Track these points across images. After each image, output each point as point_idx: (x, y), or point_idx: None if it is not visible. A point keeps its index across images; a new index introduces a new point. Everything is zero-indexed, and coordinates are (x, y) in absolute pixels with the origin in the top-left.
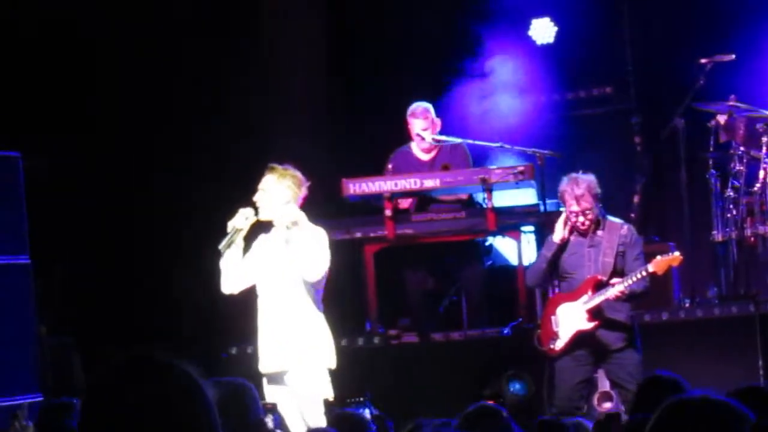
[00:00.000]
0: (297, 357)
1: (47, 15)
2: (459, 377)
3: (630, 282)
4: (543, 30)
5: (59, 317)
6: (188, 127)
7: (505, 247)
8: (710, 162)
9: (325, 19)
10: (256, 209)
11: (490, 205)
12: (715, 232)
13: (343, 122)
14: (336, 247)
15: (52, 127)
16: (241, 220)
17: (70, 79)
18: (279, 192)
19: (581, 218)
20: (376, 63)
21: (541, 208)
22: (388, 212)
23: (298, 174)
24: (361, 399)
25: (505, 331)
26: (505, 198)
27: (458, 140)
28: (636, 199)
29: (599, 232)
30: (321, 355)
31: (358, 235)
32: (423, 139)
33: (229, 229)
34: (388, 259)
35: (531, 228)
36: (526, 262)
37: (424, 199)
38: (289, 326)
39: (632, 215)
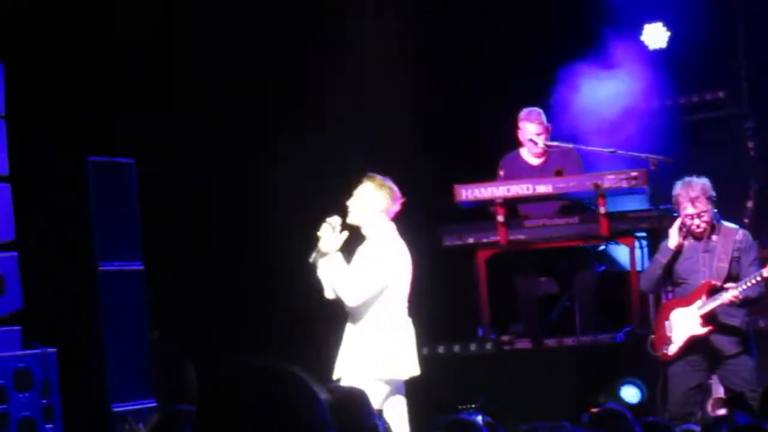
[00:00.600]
0: (347, 366)
1: (153, 20)
2: (572, 383)
3: (745, 287)
4: (655, 35)
5: (170, 323)
6: (293, 133)
7: (617, 252)
8: None
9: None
10: (343, 217)
11: (603, 211)
12: None
13: (449, 127)
14: (448, 253)
15: (164, 133)
16: (328, 230)
17: (182, 85)
18: (373, 200)
19: (696, 221)
20: (483, 67)
21: (654, 213)
22: (500, 218)
23: (395, 188)
24: (473, 405)
25: (619, 337)
26: (617, 203)
27: (570, 145)
28: (749, 204)
29: (714, 237)
30: (368, 366)
31: (471, 240)
32: (536, 144)
33: (321, 235)
34: (500, 264)
35: (644, 233)
36: (638, 268)
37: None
38: (347, 335)
39: (746, 220)
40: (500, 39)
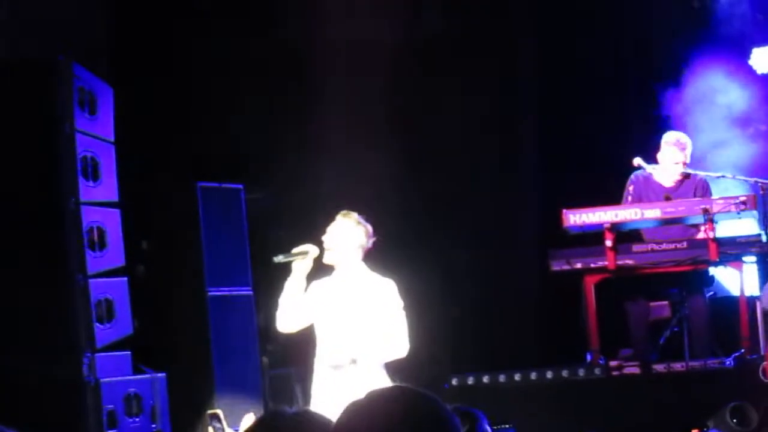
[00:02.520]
0: None
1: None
2: (681, 409)
3: None
4: (765, 59)
5: (281, 349)
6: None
7: (726, 277)
8: None
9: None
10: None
11: (712, 236)
12: None
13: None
14: (555, 277)
15: (272, 159)
16: (310, 249)
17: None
18: (354, 238)
19: None
20: (592, 93)
21: (764, 238)
22: (608, 243)
23: (368, 226)
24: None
25: (728, 363)
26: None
27: (703, 174)
28: None
29: None
30: None
31: (579, 266)
32: (671, 169)
33: (294, 250)
34: (609, 289)
35: (753, 258)
36: (747, 293)
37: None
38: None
39: None
40: (611, 58)
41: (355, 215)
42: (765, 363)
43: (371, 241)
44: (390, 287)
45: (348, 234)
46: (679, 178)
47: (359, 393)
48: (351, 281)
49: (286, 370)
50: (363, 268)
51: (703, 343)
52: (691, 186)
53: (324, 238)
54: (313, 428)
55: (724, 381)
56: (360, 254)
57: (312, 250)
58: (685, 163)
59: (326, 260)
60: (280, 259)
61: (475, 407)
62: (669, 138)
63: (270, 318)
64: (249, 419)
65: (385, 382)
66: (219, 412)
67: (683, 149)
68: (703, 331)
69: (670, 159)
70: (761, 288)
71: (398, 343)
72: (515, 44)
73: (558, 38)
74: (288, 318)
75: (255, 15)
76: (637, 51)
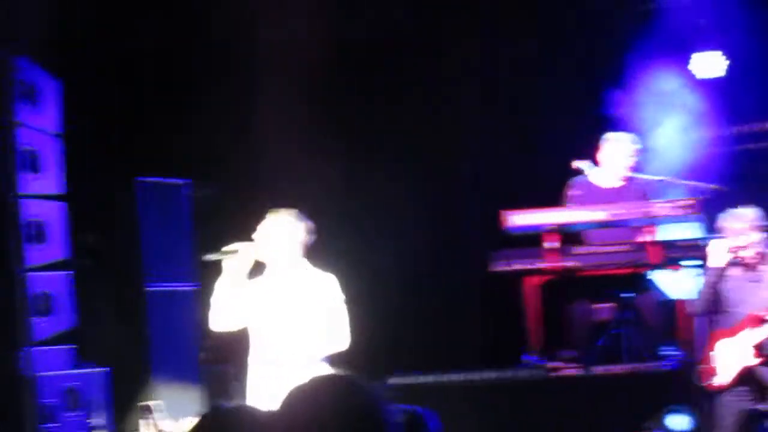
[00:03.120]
0: None
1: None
2: (619, 411)
3: None
4: (705, 64)
5: (219, 345)
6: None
7: (665, 280)
8: None
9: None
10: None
11: (653, 239)
12: None
13: (501, 152)
14: (495, 278)
15: (218, 155)
16: (240, 247)
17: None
18: (295, 234)
19: (745, 253)
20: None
21: (706, 242)
22: (550, 244)
23: (307, 221)
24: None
25: (666, 365)
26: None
27: (640, 177)
28: None
29: (761, 267)
30: None
31: (519, 267)
32: (615, 168)
33: (225, 248)
34: (549, 291)
35: (695, 262)
36: (686, 296)
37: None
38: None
39: None
40: (551, 65)
41: (287, 211)
42: (700, 367)
43: (311, 236)
44: (330, 282)
45: (278, 230)
46: (620, 179)
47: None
48: (288, 278)
49: (225, 366)
50: (303, 264)
51: (647, 345)
52: (632, 189)
53: (255, 235)
54: (253, 422)
55: (663, 383)
56: (299, 250)
57: (242, 248)
58: (631, 163)
59: (259, 258)
60: (209, 257)
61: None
62: (612, 137)
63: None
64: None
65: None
66: (151, 404)
67: (627, 148)
68: (638, 334)
69: (613, 158)
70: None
71: (339, 337)
72: (456, 43)
73: (500, 38)
74: (220, 317)
75: (195, 14)
76: (579, 53)
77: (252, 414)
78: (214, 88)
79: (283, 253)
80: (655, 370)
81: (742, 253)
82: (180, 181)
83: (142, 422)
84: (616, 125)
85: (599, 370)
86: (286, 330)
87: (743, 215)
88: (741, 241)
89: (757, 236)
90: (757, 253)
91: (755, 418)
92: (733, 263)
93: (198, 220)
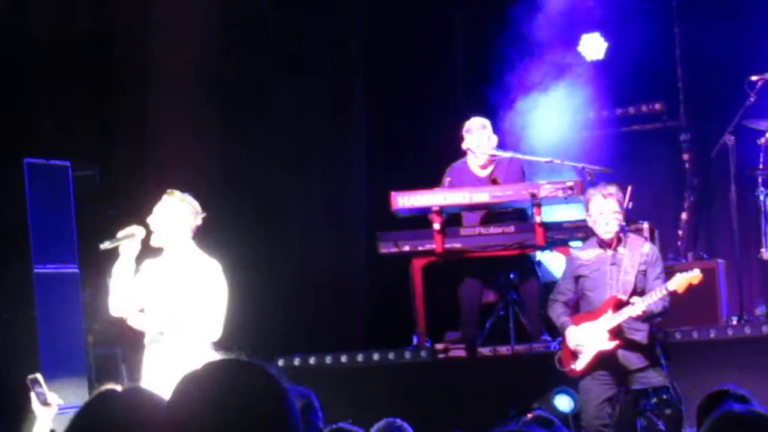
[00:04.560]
0: None
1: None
2: (506, 392)
3: (649, 301)
4: (593, 46)
5: (107, 327)
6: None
7: (552, 262)
8: (759, 179)
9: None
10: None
11: (538, 220)
12: (763, 249)
13: (390, 135)
14: (384, 260)
15: (101, 136)
16: (135, 232)
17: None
18: (182, 218)
19: (605, 226)
20: (425, 79)
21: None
22: (436, 226)
23: (196, 203)
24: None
25: (553, 346)
26: (555, 213)
27: (509, 154)
28: (684, 216)
29: (620, 249)
30: None
31: (407, 248)
32: (481, 153)
33: (120, 234)
34: (437, 272)
35: (580, 243)
36: None
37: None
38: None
39: (680, 232)
40: (445, 47)
41: (178, 194)
42: (560, 352)
43: (199, 218)
44: (212, 268)
45: (172, 214)
46: (484, 162)
47: (180, 368)
48: (176, 261)
49: (112, 348)
50: (190, 247)
51: (535, 326)
52: (503, 169)
53: (149, 219)
54: (144, 405)
55: (549, 365)
56: (187, 233)
57: (138, 231)
58: (480, 146)
59: (153, 243)
60: (106, 245)
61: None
62: (466, 124)
63: (96, 296)
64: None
65: (210, 357)
66: (39, 376)
67: (484, 130)
68: (533, 314)
69: (476, 141)
70: None
71: (209, 325)
72: (347, 27)
73: (387, 26)
74: (118, 301)
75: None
76: (465, 38)
77: (142, 400)
78: (104, 69)
79: (173, 236)
80: (542, 351)
81: (604, 228)
82: (66, 163)
83: (31, 395)
84: (502, 112)
85: (486, 351)
86: (163, 308)
87: (608, 187)
88: (603, 208)
89: (620, 210)
90: (617, 235)
91: (636, 397)
92: (592, 246)
93: (83, 201)
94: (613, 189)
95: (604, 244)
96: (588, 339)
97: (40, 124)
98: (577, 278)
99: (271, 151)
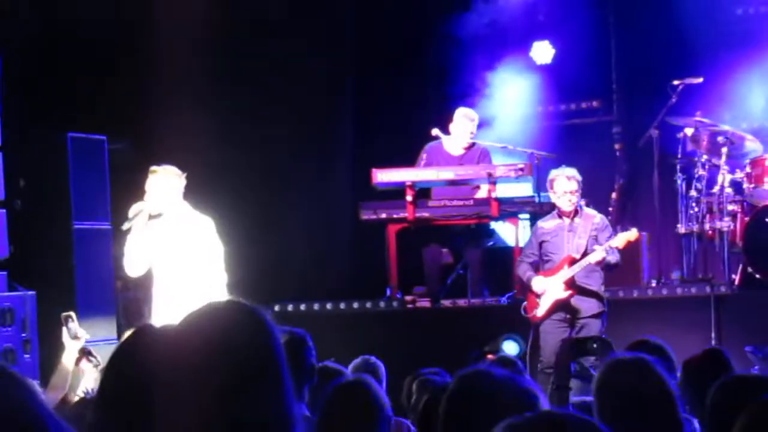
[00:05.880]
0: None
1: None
2: (463, 338)
3: (606, 248)
4: (543, 52)
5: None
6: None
7: (505, 230)
8: (678, 167)
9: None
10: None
11: (494, 196)
12: (680, 225)
13: (374, 120)
14: (365, 225)
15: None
16: (141, 207)
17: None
18: (173, 186)
19: (568, 198)
20: (405, 73)
21: (537, 199)
22: (409, 198)
23: (175, 169)
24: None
25: (503, 300)
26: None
27: (487, 143)
28: (614, 196)
29: (576, 220)
30: None
31: (384, 216)
32: (459, 138)
33: (130, 214)
34: (408, 236)
35: (527, 216)
36: (521, 244)
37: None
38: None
39: (611, 209)
40: (425, 48)
41: (159, 168)
42: (525, 303)
43: (183, 179)
44: (207, 224)
45: (161, 186)
46: (466, 146)
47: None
48: (175, 221)
49: (136, 293)
50: (184, 208)
51: (482, 284)
52: (475, 154)
53: (146, 197)
54: (163, 339)
55: (500, 315)
56: (179, 196)
57: (145, 206)
58: (472, 133)
59: (153, 212)
60: (125, 225)
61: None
62: (461, 112)
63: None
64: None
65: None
66: (72, 313)
67: (472, 121)
68: (482, 274)
69: (462, 129)
70: None
71: (213, 270)
72: (339, 11)
73: (376, 16)
74: (134, 265)
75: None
76: (440, 43)
77: (163, 332)
78: (124, 61)
79: (167, 203)
80: (494, 304)
81: (568, 200)
82: (102, 137)
83: (64, 329)
84: (467, 103)
85: (447, 303)
86: (176, 266)
87: (570, 169)
88: (568, 186)
89: (578, 187)
90: (577, 202)
91: (572, 343)
92: (553, 218)
93: (114, 170)
94: (574, 172)
95: (563, 215)
96: (548, 289)
97: (81, 105)
98: (540, 243)
99: (270, 132)
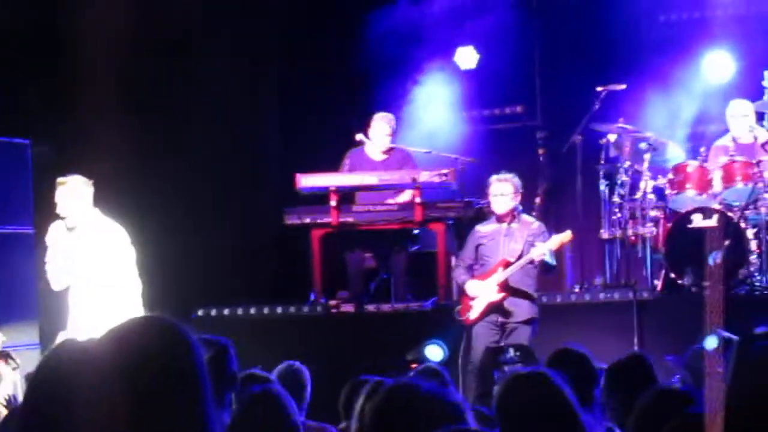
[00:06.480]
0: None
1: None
2: (386, 343)
3: (543, 250)
4: (467, 57)
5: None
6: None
7: (428, 235)
8: (601, 173)
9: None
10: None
11: (418, 201)
12: (602, 230)
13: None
14: (290, 230)
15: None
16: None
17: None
18: (84, 197)
19: (498, 201)
20: (330, 79)
21: (460, 204)
22: (333, 203)
23: (81, 178)
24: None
25: (426, 305)
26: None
27: (409, 149)
28: (538, 200)
29: (514, 225)
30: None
31: (308, 220)
32: (378, 143)
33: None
34: (332, 241)
35: (450, 221)
36: (446, 248)
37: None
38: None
39: (534, 214)
40: (349, 52)
41: (67, 179)
42: (459, 307)
43: (90, 186)
44: (118, 234)
45: (70, 196)
46: (385, 150)
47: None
48: (86, 232)
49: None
50: (95, 216)
51: (405, 288)
52: (397, 158)
53: (57, 210)
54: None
55: (423, 320)
56: (88, 204)
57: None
58: (389, 136)
59: (68, 223)
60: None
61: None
62: (378, 116)
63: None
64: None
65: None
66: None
67: (389, 124)
68: (405, 279)
69: (379, 132)
70: (456, 246)
71: (127, 282)
72: (263, 17)
73: (300, 20)
74: (55, 279)
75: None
76: (364, 43)
77: (84, 347)
78: (47, 64)
79: (79, 212)
80: (418, 309)
81: (497, 210)
82: (25, 141)
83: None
84: (391, 107)
85: (371, 308)
86: (89, 276)
87: (507, 174)
88: (499, 190)
89: (513, 192)
90: (510, 212)
91: (495, 352)
92: (491, 222)
93: (37, 174)
94: (508, 176)
95: (500, 220)
96: (481, 292)
97: (3, 108)
98: (477, 247)
99: (194, 138)
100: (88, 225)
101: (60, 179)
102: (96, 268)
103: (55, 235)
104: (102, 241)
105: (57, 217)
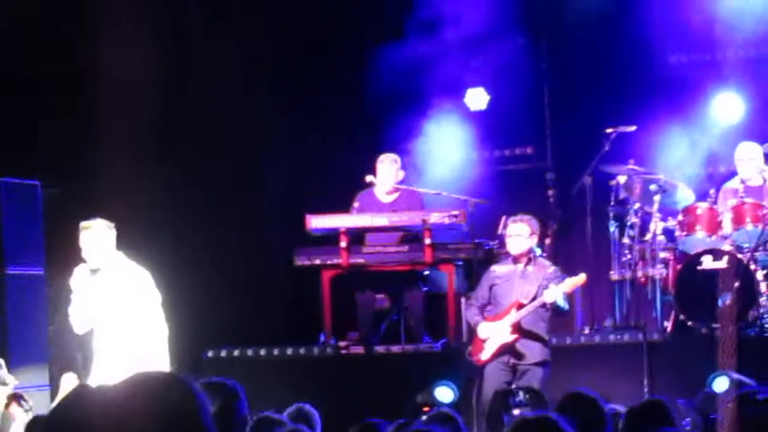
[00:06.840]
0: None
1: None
2: (396, 385)
3: (556, 293)
4: (477, 98)
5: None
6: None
7: (439, 276)
8: (611, 214)
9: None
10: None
11: (428, 242)
12: (612, 272)
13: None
14: (300, 271)
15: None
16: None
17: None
18: (108, 241)
19: (512, 241)
20: (338, 119)
21: (470, 245)
22: (343, 244)
23: (104, 221)
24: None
25: (436, 347)
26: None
27: (416, 189)
28: (548, 241)
29: (530, 267)
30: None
31: (318, 261)
32: (385, 184)
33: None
34: (342, 282)
35: (461, 262)
36: (456, 290)
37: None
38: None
39: (544, 254)
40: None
41: (89, 222)
42: (470, 347)
43: (113, 229)
44: (143, 278)
45: (93, 240)
46: (391, 190)
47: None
48: (111, 276)
49: (72, 338)
50: (119, 260)
51: (416, 330)
52: (404, 199)
53: (82, 254)
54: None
55: (433, 362)
56: (112, 248)
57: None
58: (395, 177)
59: (91, 266)
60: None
61: (229, 377)
62: (383, 156)
63: (58, 292)
64: (68, 379)
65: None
66: (0, 360)
67: (395, 164)
68: (416, 320)
69: (386, 173)
70: (466, 287)
71: (154, 329)
72: (265, 56)
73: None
74: (78, 323)
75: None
76: (374, 84)
77: (98, 395)
78: (59, 107)
79: (103, 256)
80: (428, 351)
81: (512, 251)
82: (35, 182)
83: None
84: (400, 152)
85: (381, 349)
86: (115, 320)
87: (525, 216)
88: (512, 231)
89: (527, 233)
90: (527, 254)
91: (505, 394)
92: (506, 263)
93: (48, 215)
94: (525, 217)
95: (516, 261)
96: (494, 333)
97: (14, 150)
98: (491, 287)
99: (212, 175)
100: (112, 268)
101: (84, 223)
102: (120, 312)
103: (79, 278)
104: (127, 285)
105: (68, 258)
